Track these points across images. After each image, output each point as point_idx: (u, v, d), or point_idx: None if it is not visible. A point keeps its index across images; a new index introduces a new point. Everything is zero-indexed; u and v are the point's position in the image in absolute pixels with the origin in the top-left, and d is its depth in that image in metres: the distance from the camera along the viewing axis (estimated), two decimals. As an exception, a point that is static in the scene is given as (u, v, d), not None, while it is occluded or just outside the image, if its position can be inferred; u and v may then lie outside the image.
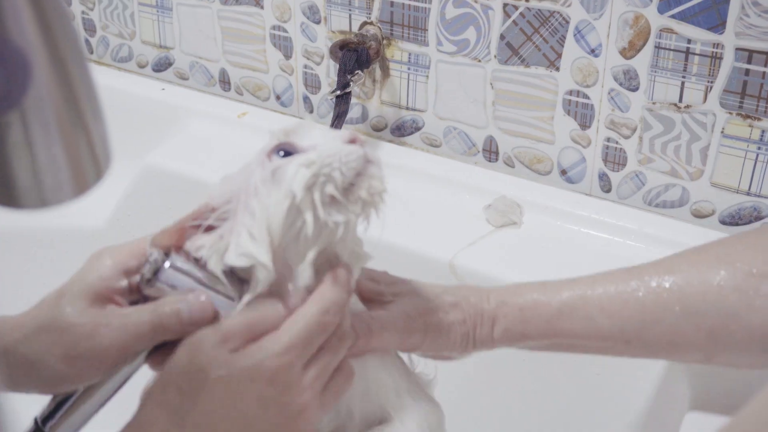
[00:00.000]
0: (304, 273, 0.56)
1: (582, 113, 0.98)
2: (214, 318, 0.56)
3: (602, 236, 0.97)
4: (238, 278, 0.58)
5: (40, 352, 0.56)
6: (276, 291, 0.57)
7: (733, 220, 0.94)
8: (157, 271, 0.57)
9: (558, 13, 0.95)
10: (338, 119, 1.03)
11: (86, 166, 0.42)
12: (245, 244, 0.56)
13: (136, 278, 0.58)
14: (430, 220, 1.00)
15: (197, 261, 0.58)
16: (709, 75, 0.89)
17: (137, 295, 0.59)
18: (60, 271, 1.16)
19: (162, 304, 0.56)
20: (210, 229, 0.58)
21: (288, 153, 0.58)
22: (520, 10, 0.97)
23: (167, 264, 0.57)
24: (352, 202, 0.57)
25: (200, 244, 0.58)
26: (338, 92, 1.03)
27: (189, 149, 1.17)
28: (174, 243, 0.58)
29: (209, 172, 1.12)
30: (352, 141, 0.58)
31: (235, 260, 0.56)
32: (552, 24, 0.96)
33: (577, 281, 0.66)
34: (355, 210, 0.57)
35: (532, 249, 0.96)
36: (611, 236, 0.96)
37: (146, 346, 0.57)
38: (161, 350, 0.57)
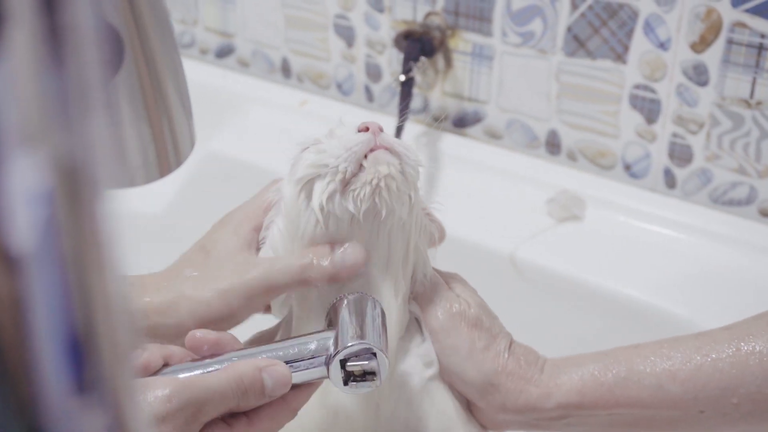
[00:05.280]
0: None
1: (649, 108, 0.97)
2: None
3: (666, 233, 0.95)
4: None
5: (197, 290, 0.60)
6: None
7: (802, 219, 0.92)
8: None
9: (627, 5, 0.94)
10: (404, 104, 1.03)
11: (171, 148, 0.43)
12: (268, 245, 0.61)
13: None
14: (491, 213, 0.99)
15: None
16: (783, 71, 0.87)
17: None
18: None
19: (320, 251, 0.58)
20: None
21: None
22: (588, 2, 0.96)
23: None
24: (359, 188, 0.57)
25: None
26: (403, 77, 1.03)
27: (249, 137, 1.17)
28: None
29: (269, 159, 1.13)
30: (363, 129, 0.59)
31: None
32: (621, 17, 0.94)
33: (640, 347, 0.63)
34: (361, 196, 0.57)
35: (594, 244, 0.95)
36: (675, 233, 0.95)
37: (291, 288, 0.59)
38: None
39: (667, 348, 0.62)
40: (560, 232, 0.96)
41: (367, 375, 0.54)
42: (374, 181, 0.57)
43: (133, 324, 0.22)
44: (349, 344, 0.54)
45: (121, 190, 0.43)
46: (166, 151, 0.43)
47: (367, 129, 0.59)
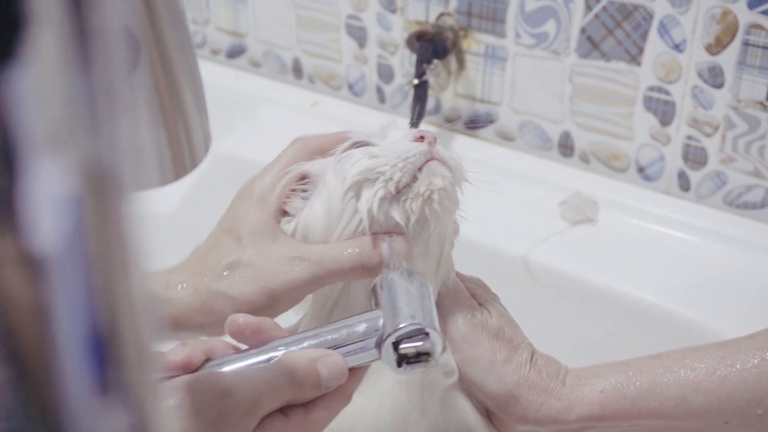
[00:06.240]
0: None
1: (663, 110, 0.96)
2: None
3: (680, 236, 0.95)
4: None
5: (236, 288, 0.58)
6: None
7: (818, 223, 0.91)
8: None
9: (642, 6, 0.93)
10: (419, 108, 1.02)
11: (187, 150, 0.43)
12: (301, 225, 0.60)
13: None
14: (504, 215, 0.99)
15: None
16: (799, 73, 0.87)
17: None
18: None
19: (366, 242, 0.57)
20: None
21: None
22: (602, 3, 0.95)
23: None
24: (411, 199, 0.56)
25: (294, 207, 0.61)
26: (416, 81, 1.02)
27: (260, 137, 1.17)
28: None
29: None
30: (419, 138, 0.58)
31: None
32: (635, 18, 0.94)
33: (662, 357, 0.62)
34: (413, 207, 0.56)
35: (608, 247, 0.94)
36: (689, 236, 0.94)
37: (338, 279, 0.58)
38: None
39: (690, 358, 0.61)
40: (573, 234, 0.96)
41: (421, 356, 0.52)
42: (427, 193, 0.56)
43: (157, 324, 0.22)
44: (401, 326, 0.52)
45: (139, 191, 0.43)
46: (181, 153, 0.43)
47: (422, 138, 0.58)
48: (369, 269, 0.57)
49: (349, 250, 0.57)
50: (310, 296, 0.60)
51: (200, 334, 0.59)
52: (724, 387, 0.59)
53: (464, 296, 0.61)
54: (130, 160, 0.18)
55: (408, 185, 0.56)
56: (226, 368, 0.53)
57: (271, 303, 0.58)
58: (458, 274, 0.64)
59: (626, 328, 0.89)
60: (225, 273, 0.59)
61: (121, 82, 0.17)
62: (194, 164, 0.46)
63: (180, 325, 0.59)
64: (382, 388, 0.59)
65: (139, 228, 0.19)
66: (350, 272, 0.57)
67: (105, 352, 0.19)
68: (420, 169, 0.57)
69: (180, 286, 0.59)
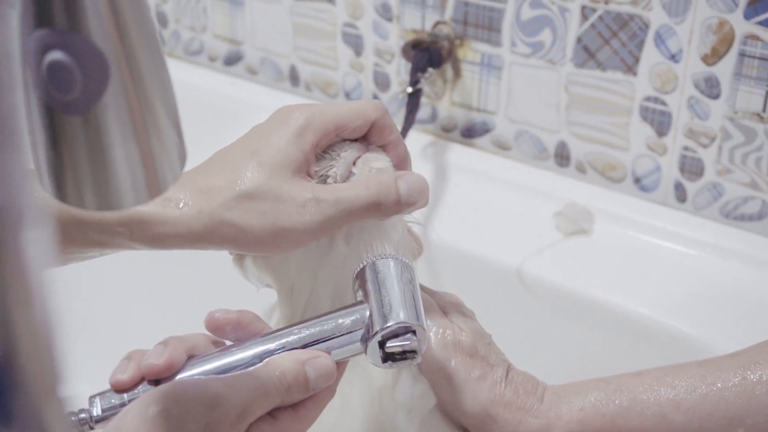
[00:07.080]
0: None
1: (659, 120, 0.95)
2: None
3: (676, 248, 0.94)
4: None
5: (245, 219, 0.54)
6: None
7: (815, 236, 0.90)
8: None
9: (638, 16, 0.92)
10: (410, 116, 1.02)
11: (161, 169, 0.42)
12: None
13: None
14: (498, 225, 0.98)
15: None
16: (796, 85, 0.86)
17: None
18: (122, 260, 1.17)
19: (384, 180, 0.56)
20: None
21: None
22: (598, 12, 0.94)
23: None
24: None
25: None
26: (410, 89, 1.02)
27: (256, 144, 1.16)
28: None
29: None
30: (351, 141, 0.59)
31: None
32: (631, 28, 0.93)
33: (643, 375, 0.61)
34: None
35: (603, 258, 0.94)
36: (685, 248, 0.94)
37: (352, 221, 0.56)
38: None
39: (671, 376, 0.60)
40: (568, 245, 0.95)
41: (407, 353, 0.52)
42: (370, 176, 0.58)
43: (60, 355, 0.21)
44: (389, 324, 0.51)
45: (113, 210, 0.42)
46: (155, 172, 0.42)
47: (354, 140, 0.59)
48: (386, 208, 0.56)
49: (367, 188, 0.55)
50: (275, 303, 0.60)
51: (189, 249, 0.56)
52: (705, 405, 0.59)
53: (435, 314, 0.60)
54: (24, 194, 0.17)
55: (345, 178, 0.57)
56: (210, 366, 0.52)
57: (278, 242, 0.55)
58: (431, 291, 0.63)
59: (620, 341, 0.89)
60: (238, 199, 0.54)
61: (10, 116, 0.16)
62: (173, 181, 0.46)
63: (171, 244, 0.55)
64: (356, 410, 0.59)
65: (39, 259, 0.19)
66: (366, 211, 0.55)
67: (4, 383, 0.19)
68: (354, 164, 0.58)
69: (182, 203, 0.54)
